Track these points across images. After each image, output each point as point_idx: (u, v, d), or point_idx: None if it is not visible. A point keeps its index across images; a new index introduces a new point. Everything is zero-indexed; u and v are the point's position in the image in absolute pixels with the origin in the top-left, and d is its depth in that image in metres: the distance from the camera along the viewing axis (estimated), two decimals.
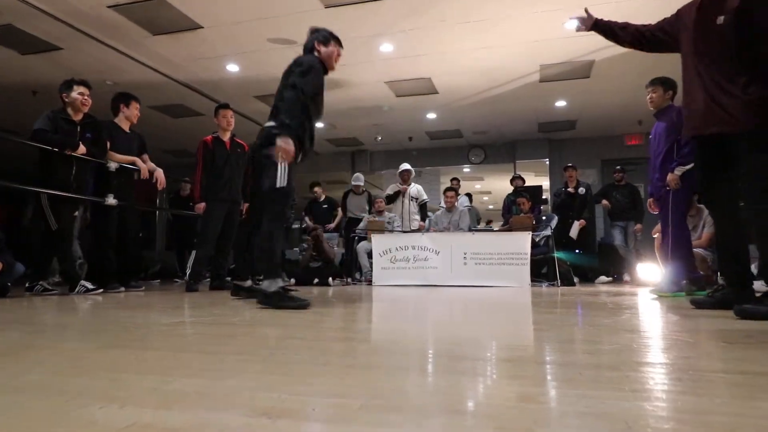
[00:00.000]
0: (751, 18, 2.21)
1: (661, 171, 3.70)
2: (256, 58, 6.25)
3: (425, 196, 7.21)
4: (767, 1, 2.18)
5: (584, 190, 7.11)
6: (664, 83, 3.80)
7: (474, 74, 6.72)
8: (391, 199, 7.04)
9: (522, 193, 7.27)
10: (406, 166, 7.14)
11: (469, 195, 9.25)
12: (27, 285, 4.01)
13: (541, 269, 6.16)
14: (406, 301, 3.04)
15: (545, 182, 10.00)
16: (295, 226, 7.32)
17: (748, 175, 2.24)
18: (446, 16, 5.19)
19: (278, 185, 2.60)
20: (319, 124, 8.93)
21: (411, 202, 6.93)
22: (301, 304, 2.49)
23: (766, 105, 2.16)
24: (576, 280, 6.00)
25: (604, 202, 7.12)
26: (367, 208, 7.47)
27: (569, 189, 7.16)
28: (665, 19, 2.65)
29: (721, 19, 2.28)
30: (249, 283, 4.01)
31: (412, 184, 7.08)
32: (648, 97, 3.87)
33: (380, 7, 5.03)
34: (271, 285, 2.54)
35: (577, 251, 6.89)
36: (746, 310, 2.09)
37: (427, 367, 1.13)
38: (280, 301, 2.50)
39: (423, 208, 7.09)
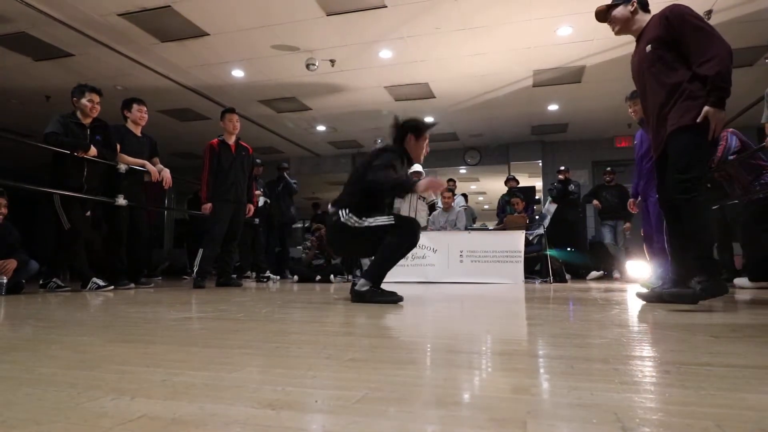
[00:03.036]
0: (665, 46, 2.41)
1: (652, 175, 3.72)
2: (261, 64, 6.25)
3: (433, 197, 7.19)
4: (681, 27, 2.35)
5: (573, 187, 7.20)
6: None
7: (470, 79, 6.73)
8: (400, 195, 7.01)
9: (516, 193, 7.28)
10: (417, 167, 7.11)
11: (464, 195, 9.25)
12: (41, 282, 4.01)
13: (535, 266, 6.16)
14: (405, 297, 3.04)
15: (538, 183, 10.01)
16: (296, 225, 7.34)
17: (671, 167, 2.40)
18: (443, 23, 5.19)
19: None
20: (320, 127, 8.99)
21: (419, 200, 6.92)
22: (394, 299, 2.64)
23: (686, 110, 2.32)
24: (568, 277, 6.00)
25: (595, 202, 7.13)
26: None
27: (561, 181, 7.29)
28: None
29: (648, 47, 2.47)
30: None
31: None
32: (631, 110, 3.87)
33: (380, 15, 5.04)
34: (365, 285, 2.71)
35: (569, 249, 6.90)
36: (671, 293, 2.33)
37: (425, 360, 1.13)
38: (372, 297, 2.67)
39: (432, 208, 7.06)
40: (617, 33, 2.68)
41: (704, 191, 2.34)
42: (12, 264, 3.53)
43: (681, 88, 2.36)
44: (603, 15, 2.68)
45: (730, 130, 4.20)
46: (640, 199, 4.12)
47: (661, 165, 2.56)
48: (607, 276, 6.90)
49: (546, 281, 5.60)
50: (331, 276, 6.10)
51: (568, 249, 6.95)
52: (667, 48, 2.42)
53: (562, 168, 7.47)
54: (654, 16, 2.52)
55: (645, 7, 2.61)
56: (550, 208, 6.98)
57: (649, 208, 3.83)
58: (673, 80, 2.38)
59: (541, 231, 6.20)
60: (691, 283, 2.28)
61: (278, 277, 6.63)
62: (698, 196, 2.27)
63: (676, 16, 2.38)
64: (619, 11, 2.61)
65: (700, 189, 2.29)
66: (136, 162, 4.40)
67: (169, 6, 4.83)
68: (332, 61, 6.07)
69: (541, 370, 1.00)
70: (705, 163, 2.42)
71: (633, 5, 2.58)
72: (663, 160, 2.51)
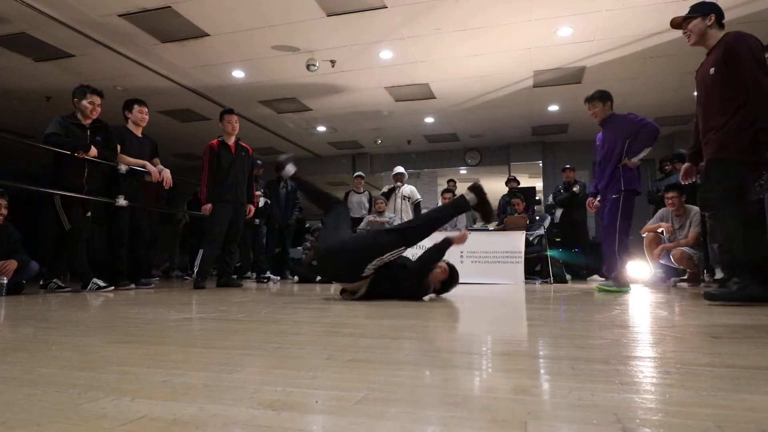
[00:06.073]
0: (729, 68, 2.53)
1: (611, 176, 3.83)
2: (261, 65, 6.25)
3: (418, 196, 7.27)
4: (738, 56, 2.48)
5: (579, 188, 7.17)
6: (601, 98, 3.94)
7: (470, 80, 6.73)
8: (386, 196, 7.11)
9: (516, 194, 7.26)
10: (399, 169, 7.22)
11: None
12: (41, 282, 4.01)
13: (535, 267, 6.15)
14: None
15: (539, 184, 10.01)
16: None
17: (701, 186, 2.64)
18: (443, 24, 5.19)
19: None
20: (320, 128, 8.99)
21: (404, 201, 6.98)
22: None
23: (733, 139, 2.49)
24: (568, 277, 5.99)
25: (596, 202, 7.11)
26: (367, 206, 7.49)
27: (566, 184, 7.25)
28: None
29: (712, 70, 2.59)
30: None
31: (405, 184, 7.13)
32: (591, 112, 4.01)
33: (380, 16, 5.04)
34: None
35: (574, 249, 6.89)
36: (709, 293, 2.40)
37: (426, 361, 1.13)
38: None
39: (417, 208, 7.14)
40: (692, 44, 2.76)
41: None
42: (12, 265, 3.53)
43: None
44: (678, 25, 2.78)
45: None
46: (599, 198, 4.09)
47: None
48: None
49: (546, 282, 5.60)
50: None
51: (575, 250, 6.94)
52: (725, 74, 2.53)
53: (567, 167, 7.41)
54: (724, 36, 2.62)
55: (721, 23, 2.68)
56: (556, 212, 6.99)
57: (607, 206, 3.87)
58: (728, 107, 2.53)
59: (541, 231, 6.19)
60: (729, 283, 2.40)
61: (278, 278, 6.63)
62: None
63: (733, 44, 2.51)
64: (696, 24, 2.68)
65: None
66: (136, 162, 4.39)
67: (170, 6, 4.83)
68: (332, 62, 6.07)
69: (542, 371, 1.00)
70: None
71: (711, 20, 2.65)
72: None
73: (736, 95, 2.49)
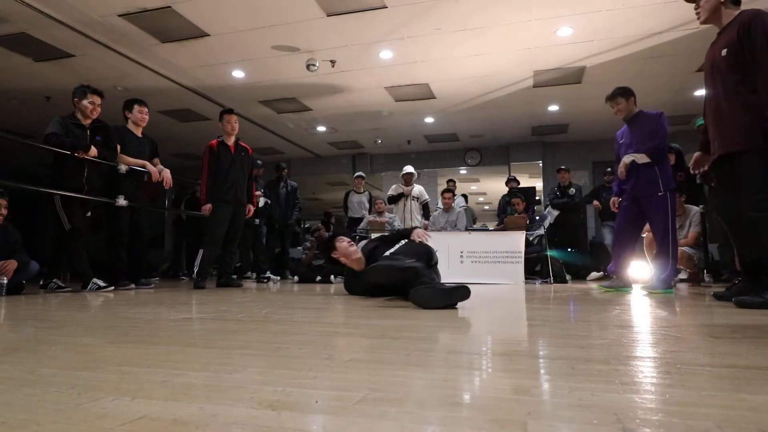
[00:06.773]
0: (743, 49, 2.32)
1: (648, 176, 3.63)
2: (261, 65, 6.26)
3: (426, 196, 7.22)
4: (751, 33, 2.29)
5: (574, 191, 7.17)
6: (623, 94, 3.77)
7: (470, 80, 6.73)
8: (393, 200, 7.03)
9: (516, 194, 7.27)
10: (409, 168, 7.12)
11: (465, 196, 9.25)
12: (41, 282, 4.01)
13: (535, 267, 6.16)
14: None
15: (539, 184, 10.01)
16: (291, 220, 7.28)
17: (747, 187, 2.33)
18: (443, 24, 5.19)
19: None
20: (320, 128, 8.99)
21: (413, 202, 6.94)
22: None
23: (754, 128, 2.28)
24: (568, 277, 6.00)
25: (595, 202, 7.12)
26: (367, 206, 7.48)
27: (562, 187, 7.24)
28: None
29: (724, 51, 2.40)
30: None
31: (414, 185, 7.07)
32: (615, 110, 3.82)
33: (380, 16, 5.04)
34: None
35: (569, 249, 6.89)
36: (743, 300, 2.27)
37: (425, 361, 1.13)
38: None
39: (426, 208, 7.10)
40: (702, 22, 2.56)
41: None
42: (12, 265, 3.53)
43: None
44: None
45: None
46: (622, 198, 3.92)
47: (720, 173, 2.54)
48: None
49: (546, 282, 5.60)
50: (332, 276, 6.09)
51: (569, 249, 6.95)
52: (739, 55, 2.33)
53: (563, 167, 7.41)
54: (739, 14, 2.42)
55: (736, 0, 2.47)
56: (552, 212, 7.00)
57: (650, 207, 3.66)
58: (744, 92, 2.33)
59: (541, 231, 6.20)
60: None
61: (278, 278, 6.63)
62: None
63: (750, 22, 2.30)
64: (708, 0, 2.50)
65: None
66: (136, 162, 4.39)
67: (169, 6, 4.83)
68: (332, 62, 6.07)
69: (542, 371, 1.00)
70: None
71: None
72: (721, 168, 2.49)
73: (751, 77, 2.28)
